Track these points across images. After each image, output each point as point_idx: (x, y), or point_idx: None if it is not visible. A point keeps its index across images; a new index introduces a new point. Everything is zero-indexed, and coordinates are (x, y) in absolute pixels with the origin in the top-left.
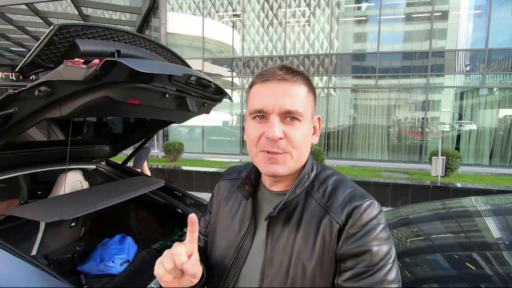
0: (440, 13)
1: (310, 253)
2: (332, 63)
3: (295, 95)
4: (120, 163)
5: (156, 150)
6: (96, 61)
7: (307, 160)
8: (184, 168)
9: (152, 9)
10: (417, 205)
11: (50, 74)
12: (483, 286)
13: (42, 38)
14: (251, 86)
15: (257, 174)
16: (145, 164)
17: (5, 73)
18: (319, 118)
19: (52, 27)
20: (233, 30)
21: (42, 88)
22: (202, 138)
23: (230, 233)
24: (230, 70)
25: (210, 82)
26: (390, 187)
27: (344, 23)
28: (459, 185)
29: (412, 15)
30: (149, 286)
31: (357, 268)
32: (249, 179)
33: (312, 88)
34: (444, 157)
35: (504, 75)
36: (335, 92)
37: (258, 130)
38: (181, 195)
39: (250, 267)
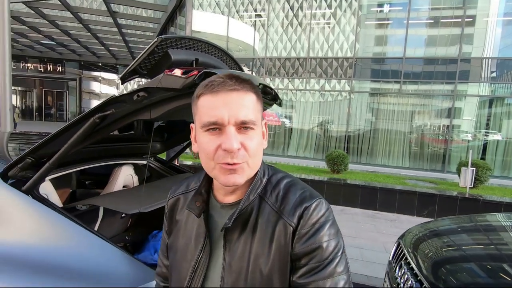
0: (469, 19)
1: (266, 257)
2: (354, 66)
3: (247, 104)
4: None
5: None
6: (194, 72)
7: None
8: None
9: (179, 7)
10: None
11: (150, 82)
12: None
13: (145, 49)
14: (198, 97)
15: (208, 187)
16: (176, 161)
17: (34, 64)
18: (265, 123)
19: (155, 39)
20: (254, 30)
21: (141, 93)
22: None
23: (186, 251)
24: (249, 69)
25: (272, 89)
26: (416, 196)
27: (367, 26)
28: (488, 197)
29: (440, 20)
30: None
31: (310, 264)
32: (199, 195)
33: (259, 94)
34: (474, 168)
35: None
36: (356, 96)
37: (213, 142)
38: None
39: (211, 280)
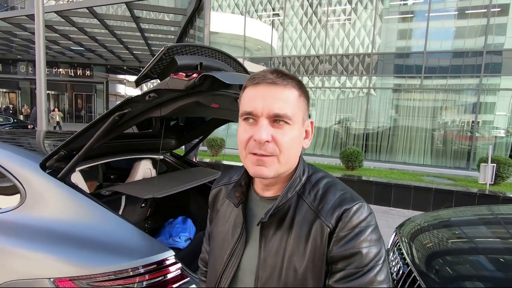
0: (499, 8)
1: (301, 256)
2: (374, 62)
3: (284, 98)
4: (181, 155)
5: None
6: (195, 74)
7: (298, 163)
8: (225, 162)
9: (197, 10)
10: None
11: (159, 84)
12: None
13: (155, 57)
14: (243, 89)
15: (248, 180)
16: (194, 157)
17: (64, 70)
18: (311, 122)
19: (163, 48)
20: (272, 29)
21: (152, 94)
22: None
23: (223, 239)
24: (276, 67)
25: None
26: (432, 193)
27: (388, 20)
28: (510, 194)
29: (465, 11)
30: None
31: (348, 269)
32: (239, 186)
33: (304, 92)
34: (495, 164)
35: None
36: (376, 92)
37: (247, 132)
38: None
39: (244, 271)
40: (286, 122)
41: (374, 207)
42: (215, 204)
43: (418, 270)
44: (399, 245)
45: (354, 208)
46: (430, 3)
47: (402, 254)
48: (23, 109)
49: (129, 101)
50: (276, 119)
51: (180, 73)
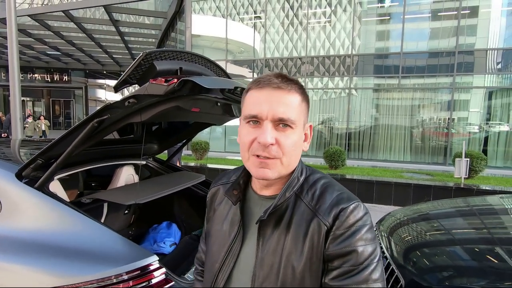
0: (469, 11)
1: (299, 254)
2: (354, 63)
3: (288, 103)
4: (163, 160)
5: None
6: (174, 79)
7: (297, 165)
8: (210, 165)
9: (178, 13)
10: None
11: (138, 90)
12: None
13: (133, 62)
14: (246, 91)
15: (246, 179)
16: (178, 162)
17: (40, 75)
18: (310, 126)
19: (141, 54)
20: (254, 31)
21: (131, 100)
22: (224, 137)
23: (221, 237)
24: (251, 71)
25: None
26: (411, 188)
27: (366, 22)
28: (483, 187)
29: (438, 13)
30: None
31: (344, 267)
32: (237, 184)
33: (305, 97)
34: (468, 159)
35: None
36: (357, 92)
37: (251, 134)
38: None
39: (241, 269)
40: (290, 126)
41: None
42: (212, 203)
43: (396, 263)
44: (378, 239)
45: (351, 207)
46: (405, 5)
47: (381, 248)
48: (1, 117)
49: (108, 107)
50: (280, 123)
51: (160, 78)
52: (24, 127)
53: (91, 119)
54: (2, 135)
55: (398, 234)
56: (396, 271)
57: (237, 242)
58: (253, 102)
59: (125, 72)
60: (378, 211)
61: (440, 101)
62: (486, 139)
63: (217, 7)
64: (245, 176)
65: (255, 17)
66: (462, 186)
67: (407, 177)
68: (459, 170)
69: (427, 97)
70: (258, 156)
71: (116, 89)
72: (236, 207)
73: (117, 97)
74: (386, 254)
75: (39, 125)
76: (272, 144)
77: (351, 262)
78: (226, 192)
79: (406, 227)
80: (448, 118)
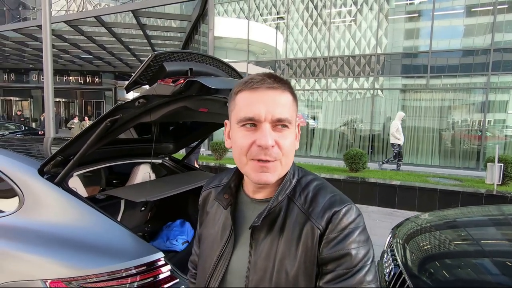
0: (506, 5)
1: (292, 258)
2: (380, 62)
3: (284, 103)
4: (179, 159)
5: (203, 149)
6: (181, 80)
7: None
8: (229, 165)
9: (201, 16)
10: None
11: (147, 90)
12: None
13: (143, 64)
14: (235, 93)
15: (237, 182)
16: (195, 162)
17: (74, 77)
18: (298, 125)
19: (150, 55)
20: (276, 32)
21: (141, 100)
22: None
23: (212, 241)
24: (273, 71)
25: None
26: (437, 194)
27: (394, 20)
28: None
29: (472, 9)
30: None
31: (338, 270)
32: (228, 188)
33: (295, 96)
34: (502, 164)
35: None
36: (383, 93)
37: (248, 138)
38: None
39: (233, 274)
40: (286, 126)
41: (378, 209)
42: (205, 207)
43: (409, 272)
44: (392, 246)
45: (344, 210)
46: (435, 2)
47: (394, 255)
48: (41, 116)
49: (120, 107)
50: (278, 124)
51: (167, 79)
52: (70, 128)
53: (104, 118)
54: (39, 132)
55: (416, 241)
56: (408, 281)
57: (229, 246)
58: (247, 104)
59: (135, 73)
60: (400, 216)
61: (472, 102)
62: None
63: (240, 9)
64: (236, 179)
65: (278, 17)
66: (494, 193)
67: (433, 182)
68: (492, 175)
69: (457, 98)
70: (259, 160)
71: (128, 89)
72: (227, 211)
73: None
74: (399, 262)
75: (84, 126)
76: (272, 146)
77: (345, 265)
78: (216, 196)
79: (426, 234)
80: (482, 120)
